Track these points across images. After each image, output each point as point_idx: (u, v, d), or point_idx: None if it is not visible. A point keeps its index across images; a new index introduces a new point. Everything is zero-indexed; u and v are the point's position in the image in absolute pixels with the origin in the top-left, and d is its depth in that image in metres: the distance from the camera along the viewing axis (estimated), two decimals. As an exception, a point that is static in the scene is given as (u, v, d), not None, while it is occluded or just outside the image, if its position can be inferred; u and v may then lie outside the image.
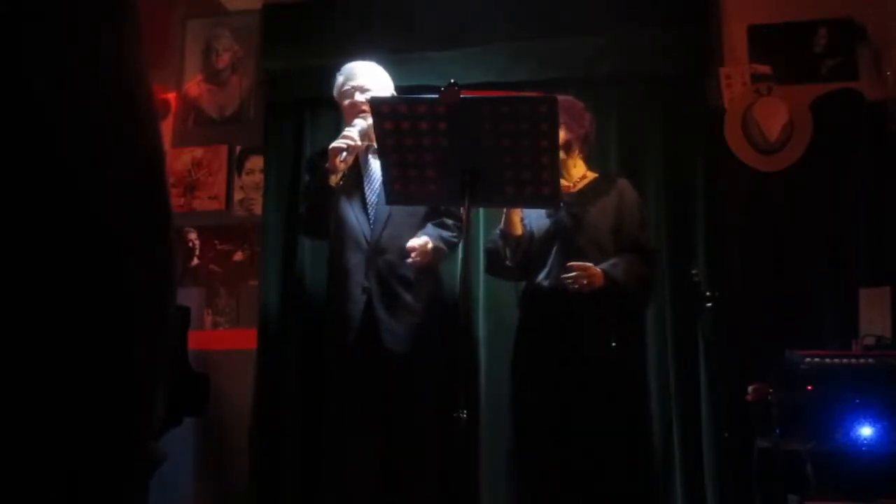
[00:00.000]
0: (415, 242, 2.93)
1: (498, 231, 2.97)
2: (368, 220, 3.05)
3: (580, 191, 3.00)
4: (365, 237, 3.04)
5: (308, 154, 3.76)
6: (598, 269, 2.78)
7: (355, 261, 3.03)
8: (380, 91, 3.08)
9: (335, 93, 3.22)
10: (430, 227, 3.06)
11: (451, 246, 3.07)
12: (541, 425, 2.84)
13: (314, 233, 3.34)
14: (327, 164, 2.95)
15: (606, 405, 2.76)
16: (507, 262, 2.95)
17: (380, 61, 3.22)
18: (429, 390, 2.93)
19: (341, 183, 2.96)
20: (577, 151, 3.00)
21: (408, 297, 2.99)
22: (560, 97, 2.79)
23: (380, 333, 2.95)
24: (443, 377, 2.83)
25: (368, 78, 3.12)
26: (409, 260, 2.92)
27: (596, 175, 3.08)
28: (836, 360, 2.81)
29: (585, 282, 2.76)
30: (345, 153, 2.84)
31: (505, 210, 2.90)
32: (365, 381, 3.00)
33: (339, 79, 3.18)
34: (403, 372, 2.95)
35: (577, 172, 3.02)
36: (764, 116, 3.50)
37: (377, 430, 3.01)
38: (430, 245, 2.95)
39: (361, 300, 2.98)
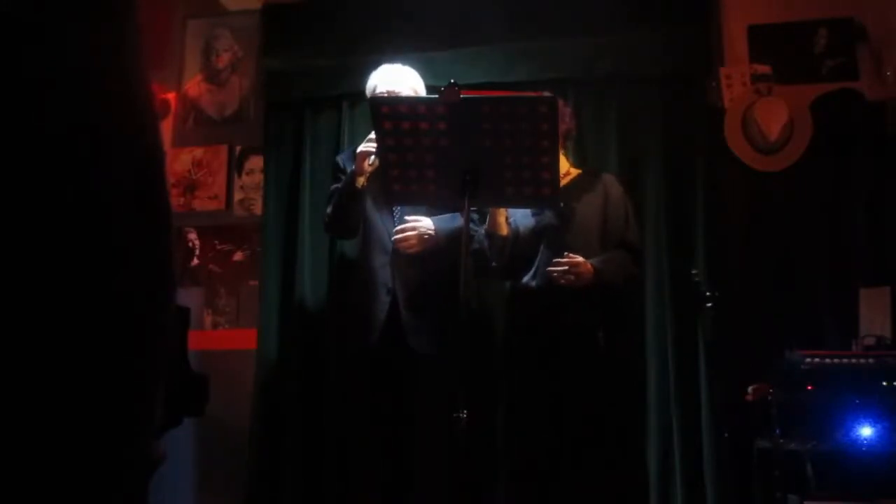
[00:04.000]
0: (404, 225, 2.96)
1: (483, 231, 2.94)
2: (394, 223, 3.06)
3: (564, 187, 2.93)
4: (391, 239, 3.04)
5: (309, 155, 3.80)
6: (588, 265, 2.77)
7: (381, 262, 3.04)
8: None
9: (368, 95, 3.18)
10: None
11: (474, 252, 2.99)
12: (531, 423, 2.84)
13: (340, 233, 3.39)
14: (354, 167, 2.99)
15: (596, 400, 2.77)
16: (493, 263, 2.93)
17: (380, 61, 3.22)
18: (453, 391, 2.91)
19: (366, 184, 3.00)
20: (559, 147, 2.99)
21: (433, 299, 2.98)
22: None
23: (404, 334, 2.96)
24: (468, 377, 2.82)
25: (402, 82, 3.10)
26: (397, 237, 2.95)
27: (579, 171, 3.07)
28: (836, 360, 2.81)
29: (573, 277, 2.75)
30: (373, 157, 2.87)
31: (490, 210, 2.89)
32: (383, 382, 3.01)
33: (372, 82, 3.15)
34: (427, 372, 2.95)
35: (561, 169, 2.98)
36: (764, 116, 3.50)
37: (386, 430, 3.01)
38: (424, 230, 2.96)
39: (386, 301, 2.99)
